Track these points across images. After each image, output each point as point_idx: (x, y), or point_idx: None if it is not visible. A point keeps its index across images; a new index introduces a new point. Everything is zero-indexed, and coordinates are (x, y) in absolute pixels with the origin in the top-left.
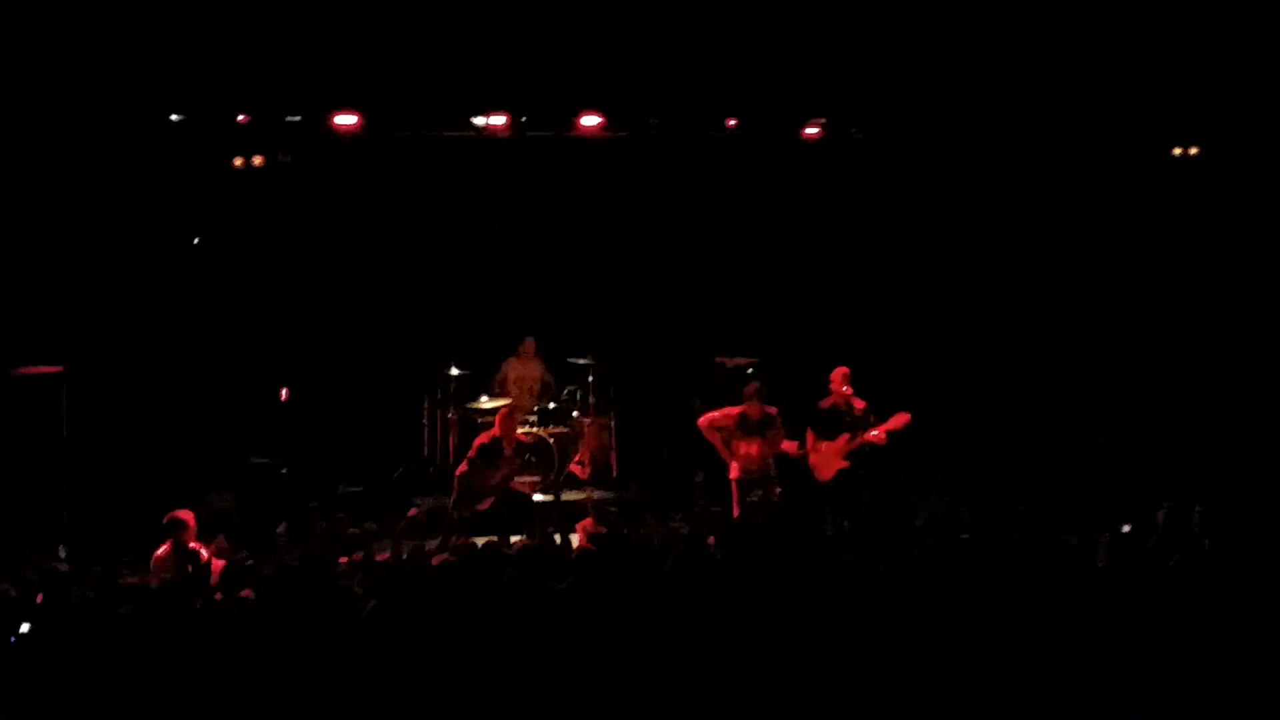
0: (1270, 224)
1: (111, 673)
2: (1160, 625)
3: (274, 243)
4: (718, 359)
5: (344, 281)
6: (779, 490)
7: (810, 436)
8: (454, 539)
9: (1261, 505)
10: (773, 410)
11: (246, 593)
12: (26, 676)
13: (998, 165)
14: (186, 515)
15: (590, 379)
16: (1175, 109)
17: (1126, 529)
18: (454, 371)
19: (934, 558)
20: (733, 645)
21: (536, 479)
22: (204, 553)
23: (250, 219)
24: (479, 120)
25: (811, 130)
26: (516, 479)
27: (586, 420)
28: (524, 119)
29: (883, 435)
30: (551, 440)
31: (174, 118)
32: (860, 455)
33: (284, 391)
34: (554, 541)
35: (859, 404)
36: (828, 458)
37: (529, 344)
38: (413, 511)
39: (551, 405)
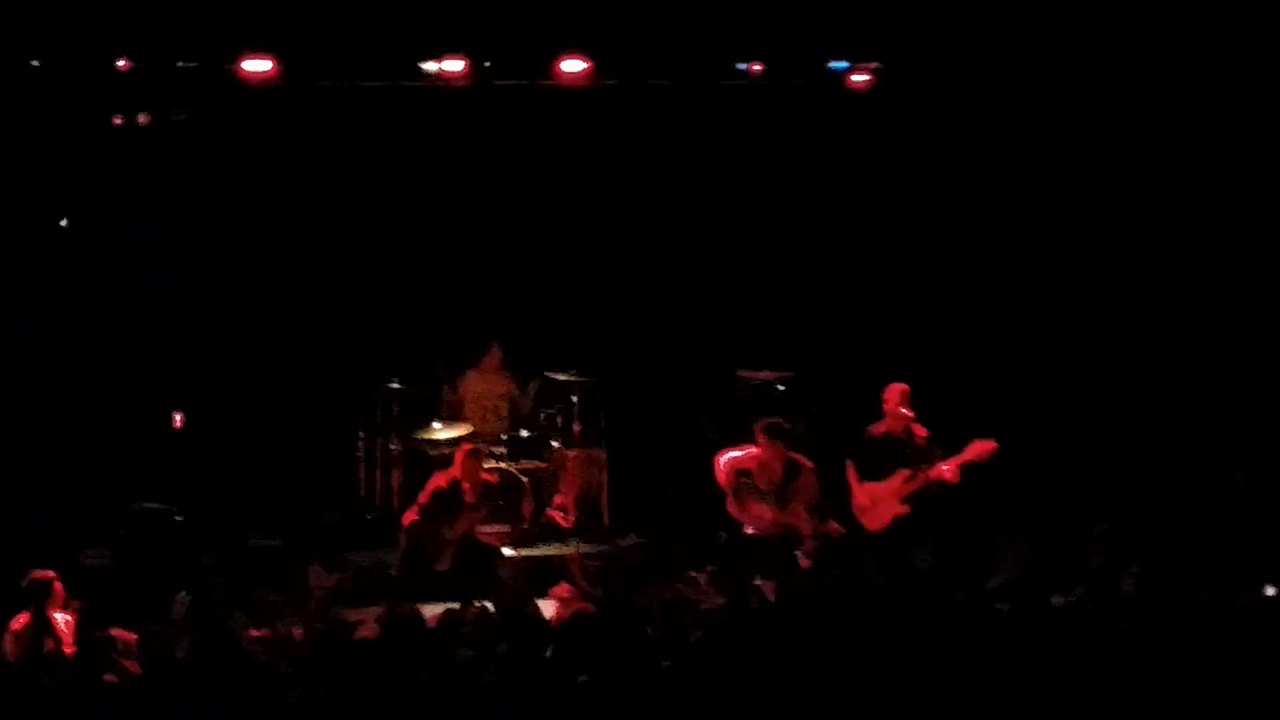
0: None
1: None
2: None
3: (164, 223)
4: (739, 372)
5: (254, 273)
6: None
7: (853, 474)
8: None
9: None
10: (805, 461)
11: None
12: None
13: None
14: (48, 576)
15: (574, 400)
16: None
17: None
18: (396, 389)
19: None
20: None
21: (505, 529)
22: (64, 624)
23: (135, 193)
24: (429, 65)
25: (860, 77)
26: (480, 529)
27: (570, 453)
28: (487, 64)
29: (955, 470)
30: (525, 479)
31: (34, 64)
32: (922, 497)
33: (178, 416)
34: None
35: (921, 431)
36: (880, 501)
37: (494, 354)
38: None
39: (525, 434)
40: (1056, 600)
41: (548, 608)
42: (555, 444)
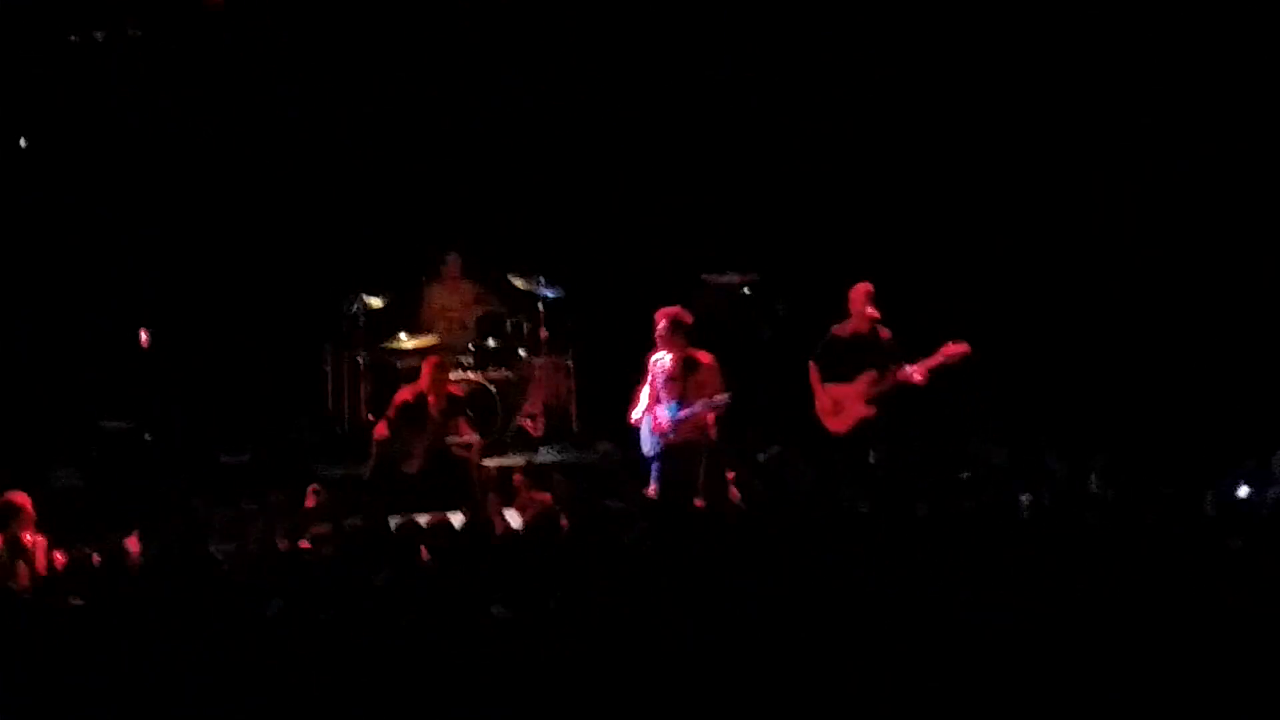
0: None
1: None
2: None
3: (123, 139)
4: (703, 276)
5: (216, 187)
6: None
7: (816, 375)
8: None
9: None
10: (703, 356)
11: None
12: None
13: None
14: (20, 498)
15: (540, 307)
16: None
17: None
18: (364, 301)
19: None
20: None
21: (474, 438)
22: (38, 546)
23: (92, 111)
24: None
25: None
26: (450, 440)
27: (537, 360)
28: None
29: (925, 373)
30: (493, 388)
31: None
32: (888, 400)
33: (144, 334)
34: (499, 517)
35: (886, 333)
36: (845, 403)
37: (452, 263)
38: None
39: (492, 342)
40: (1024, 499)
41: (515, 518)
42: (522, 352)
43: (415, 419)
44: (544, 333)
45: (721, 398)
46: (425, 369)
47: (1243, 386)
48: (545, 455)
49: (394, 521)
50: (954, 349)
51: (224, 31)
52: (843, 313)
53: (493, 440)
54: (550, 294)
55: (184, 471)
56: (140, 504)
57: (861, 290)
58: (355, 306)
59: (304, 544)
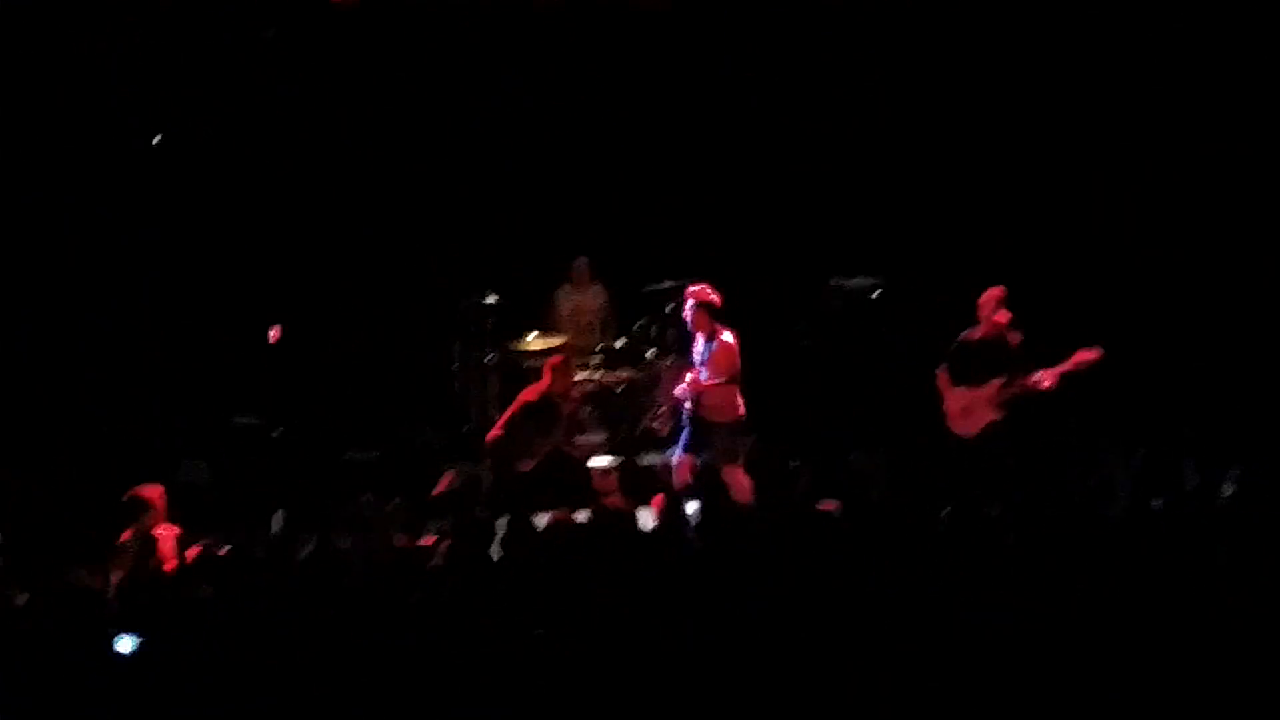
0: None
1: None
2: None
3: (257, 140)
4: (832, 281)
5: (348, 188)
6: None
7: (945, 379)
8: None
9: None
10: (723, 331)
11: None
12: None
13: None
14: (152, 492)
15: (669, 309)
16: None
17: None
18: (491, 301)
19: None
20: None
21: (601, 438)
22: (168, 539)
23: (226, 112)
24: None
25: None
26: (576, 440)
27: (665, 362)
28: None
29: (1055, 379)
30: (621, 389)
31: None
32: (1017, 405)
33: (274, 331)
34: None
35: (1016, 337)
36: (973, 407)
37: (582, 267)
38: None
39: (620, 344)
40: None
41: (647, 517)
42: (651, 354)
43: (541, 420)
44: (672, 335)
45: (684, 389)
46: (548, 368)
47: None
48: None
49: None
50: (1086, 355)
51: (362, 30)
52: (973, 318)
53: (620, 441)
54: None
55: (312, 468)
56: (268, 499)
57: (992, 296)
58: (485, 306)
59: (428, 540)
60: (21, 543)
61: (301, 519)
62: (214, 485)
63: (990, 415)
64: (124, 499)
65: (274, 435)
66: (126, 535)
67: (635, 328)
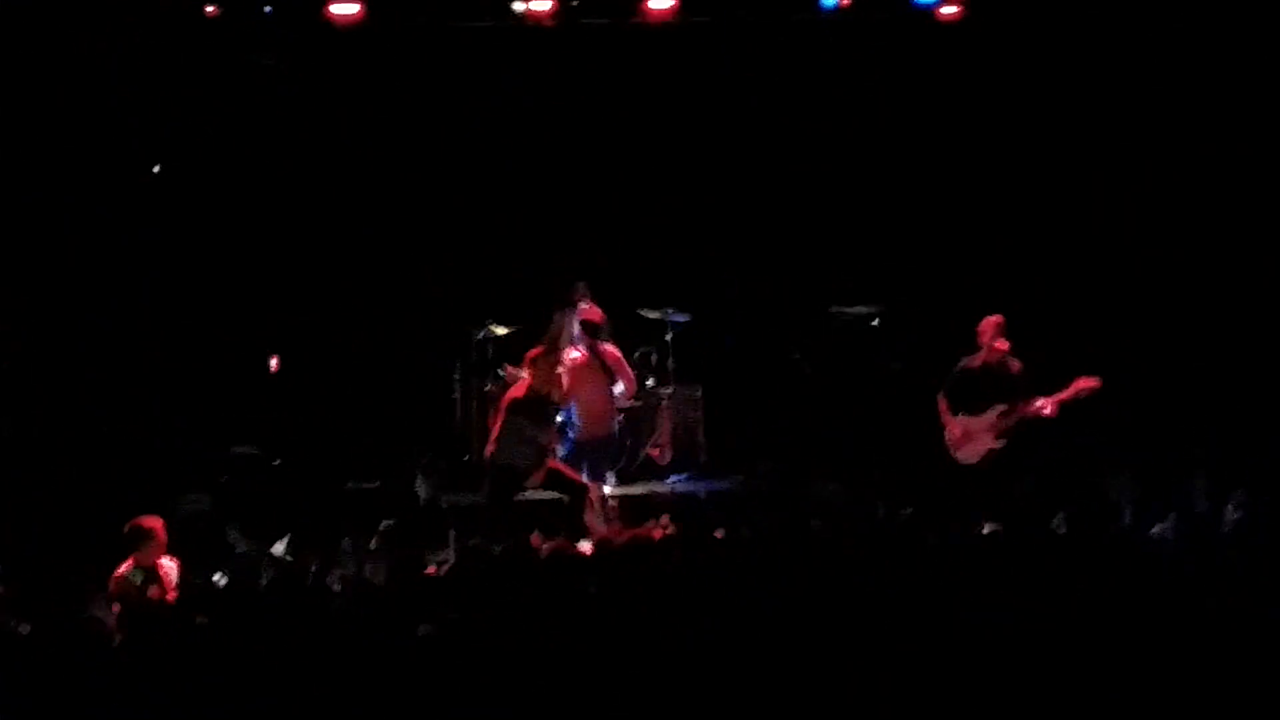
0: None
1: None
2: None
3: (256, 169)
4: (832, 308)
5: (348, 216)
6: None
7: (945, 407)
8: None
9: None
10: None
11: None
12: None
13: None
14: (153, 523)
15: (669, 337)
16: None
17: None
18: (493, 330)
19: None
20: None
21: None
22: (169, 570)
23: (225, 140)
24: (518, 5)
25: (949, 9)
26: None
27: (665, 390)
28: (574, 2)
29: (1055, 406)
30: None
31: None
32: (1018, 432)
33: (274, 360)
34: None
35: (1016, 365)
36: (975, 435)
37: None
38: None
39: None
40: (1157, 530)
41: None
42: (650, 382)
43: (533, 414)
44: (672, 363)
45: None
46: (527, 364)
47: None
48: (673, 484)
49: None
50: (1086, 383)
51: (362, 57)
52: (973, 345)
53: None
54: (679, 319)
55: (312, 498)
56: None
57: (991, 323)
58: (483, 335)
59: (431, 571)
60: (22, 573)
61: (304, 547)
62: (213, 516)
63: (991, 442)
64: (125, 530)
65: (274, 465)
66: (127, 566)
67: (635, 355)
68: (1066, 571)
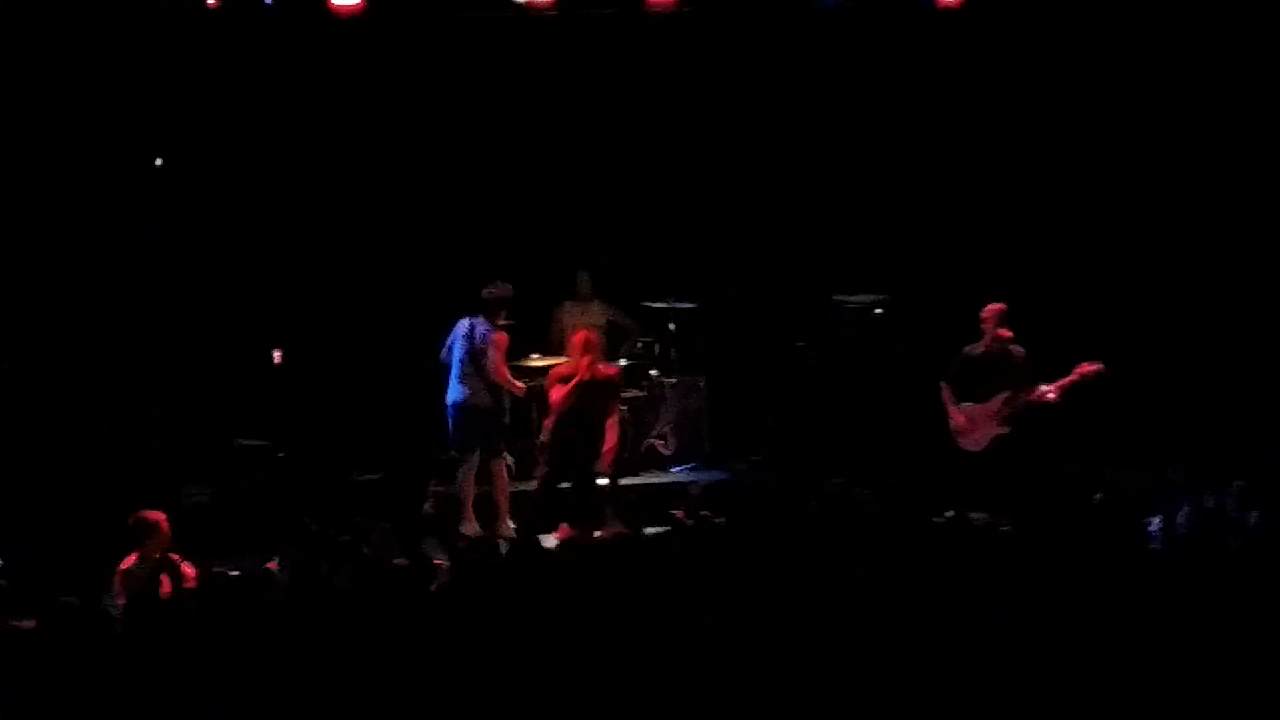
0: None
1: None
2: None
3: (258, 157)
4: (835, 297)
5: (349, 206)
6: None
7: (948, 395)
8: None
9: None
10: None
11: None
12: None
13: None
14: (157, 516)
15: (672, 328)
16: None
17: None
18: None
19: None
20: None
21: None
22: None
23: (226, 128)
24: None
25: None
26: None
27: (669, 381)
28: None
29: (1059, 392)
30: (623, 407)
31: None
32: (1020, 420)
33: (277, 353)
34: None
35: (1019, 352)
36: (978, 422)
37: (583, 283)
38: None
39: (623, 362)
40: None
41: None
42: (654, 373)
43: (604, 393)
44: (674, 354)
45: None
46: (577, 346)
47: None
48: (677, 474)
49: None
50: (1088, 368)
51: (362, 45)
52: (975, 333)
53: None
54: (683, 308)
55: (317, 490)
56: (272, 522)
57: (994, 311)
58: None
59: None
60: (24, 567)
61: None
62: (217, 509)
63: (995, 430)
64: (128, 523)
65: (278, 457)
66: (131, 560)
67: (639, 346)
68: (1072, 565)
